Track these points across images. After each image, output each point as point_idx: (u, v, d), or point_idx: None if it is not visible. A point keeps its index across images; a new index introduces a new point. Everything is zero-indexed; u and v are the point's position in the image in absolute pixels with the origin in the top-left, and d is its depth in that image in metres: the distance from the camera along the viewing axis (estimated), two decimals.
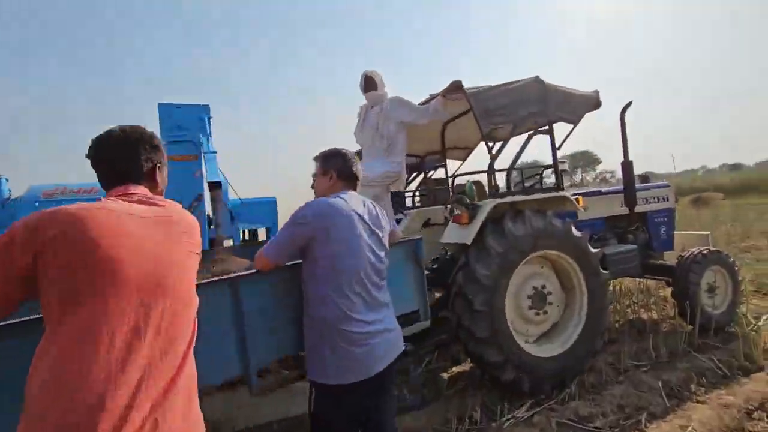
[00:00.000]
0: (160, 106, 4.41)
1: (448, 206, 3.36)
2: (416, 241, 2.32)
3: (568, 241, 3.17)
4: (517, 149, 3.34)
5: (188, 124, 4.39)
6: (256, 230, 6.14)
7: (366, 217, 1.77)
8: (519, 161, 3.32)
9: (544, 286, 3.20)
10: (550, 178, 3.77)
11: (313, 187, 1.93)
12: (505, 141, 3.37)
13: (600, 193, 4.20)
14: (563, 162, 4.49)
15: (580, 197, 3.43)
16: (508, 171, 3.22)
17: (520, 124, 3.25)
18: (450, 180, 4.66)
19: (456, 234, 3.11)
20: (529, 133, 3.46)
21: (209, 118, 4.46)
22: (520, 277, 3.15)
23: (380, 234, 1.81)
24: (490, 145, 3.34)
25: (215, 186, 3.37)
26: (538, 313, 3.17)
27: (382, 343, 1.71)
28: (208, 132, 4.21)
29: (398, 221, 4.46)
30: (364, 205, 1.82)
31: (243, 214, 5.33)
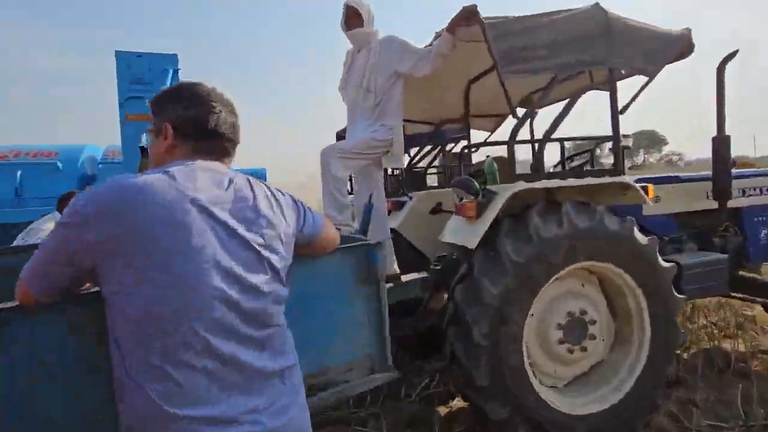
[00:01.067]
0: (118, 54, 3.69)
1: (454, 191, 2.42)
2: (366, 248, 1.44)
3: (627, 251, 2.15)
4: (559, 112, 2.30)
5: (151, 77, 3.66)
6: None
7: (223, 210, 0.91)
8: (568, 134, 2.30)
9: (584, 312, 2.22)
10: (609, 158, 2.69)
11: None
12: (537, 103, 2.33)
13: (677, 179, 3.04)
14: (627, 137, 3.34)
15: (650, 185, 2.34)
16: (540, 143, 2.19)
17: (562, 75, 2.20)
18: (460, 154, 3.64)
19: (458, 232, 2.19)
20: (578, 89, 2.40)
21: (176, 71, 3.71)
22: (549, 297, 2.19)
23: (259, 242, 0.94)
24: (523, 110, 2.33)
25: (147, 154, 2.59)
26: (572, 350, 2.21)
27: None
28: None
29: (402, 204, 3.56)
30: (227, 186, 0.95)
31: None
